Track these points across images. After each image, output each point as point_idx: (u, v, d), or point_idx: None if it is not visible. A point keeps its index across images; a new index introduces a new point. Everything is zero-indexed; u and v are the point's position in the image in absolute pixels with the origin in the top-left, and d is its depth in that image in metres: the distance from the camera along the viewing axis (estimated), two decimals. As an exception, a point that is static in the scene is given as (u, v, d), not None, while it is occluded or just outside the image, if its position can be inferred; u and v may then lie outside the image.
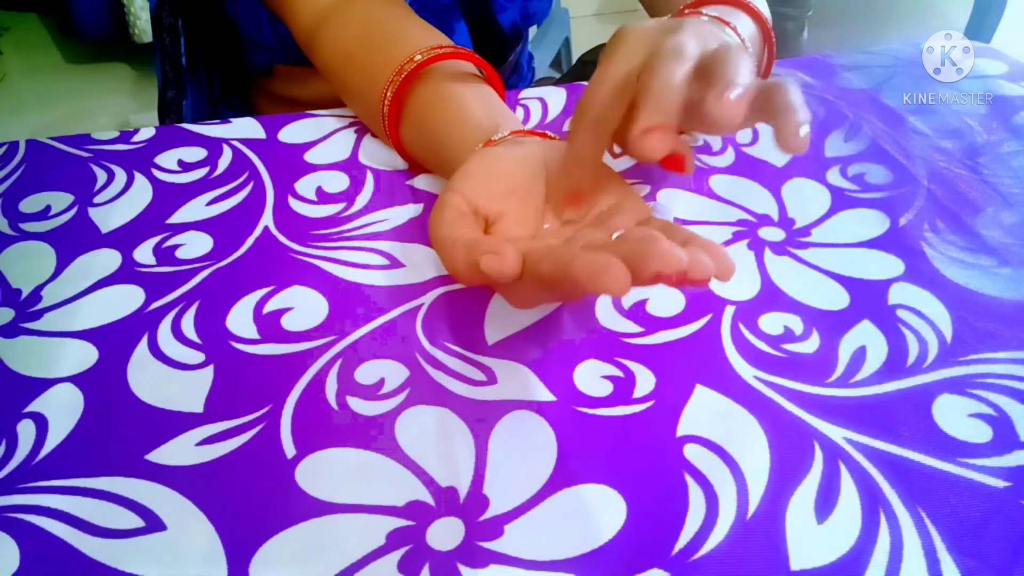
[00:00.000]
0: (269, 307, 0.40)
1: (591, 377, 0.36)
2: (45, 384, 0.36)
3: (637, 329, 0.38)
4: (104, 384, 0.36)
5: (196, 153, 0.51)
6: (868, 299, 0.40)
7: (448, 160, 0.42)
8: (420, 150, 0.47)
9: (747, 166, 0.49)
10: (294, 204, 0.47)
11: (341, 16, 0.52)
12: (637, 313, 0.39)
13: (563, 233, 0.36)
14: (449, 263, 0.32)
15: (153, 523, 0.30)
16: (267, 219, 0.45)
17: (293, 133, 0.53)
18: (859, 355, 0.37)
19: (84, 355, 0.37)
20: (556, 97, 0.56)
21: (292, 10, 0.55)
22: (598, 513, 0.30)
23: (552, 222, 0.37)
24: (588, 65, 0.83)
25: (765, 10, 0.49)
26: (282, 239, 0.44)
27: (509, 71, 0.78)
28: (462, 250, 0.31)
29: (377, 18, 0.51)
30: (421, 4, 0.62)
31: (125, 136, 0.53)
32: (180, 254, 0.43)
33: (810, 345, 0.37)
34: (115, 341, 0.38)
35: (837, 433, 0.33)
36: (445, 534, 0.30)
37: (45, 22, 2.13)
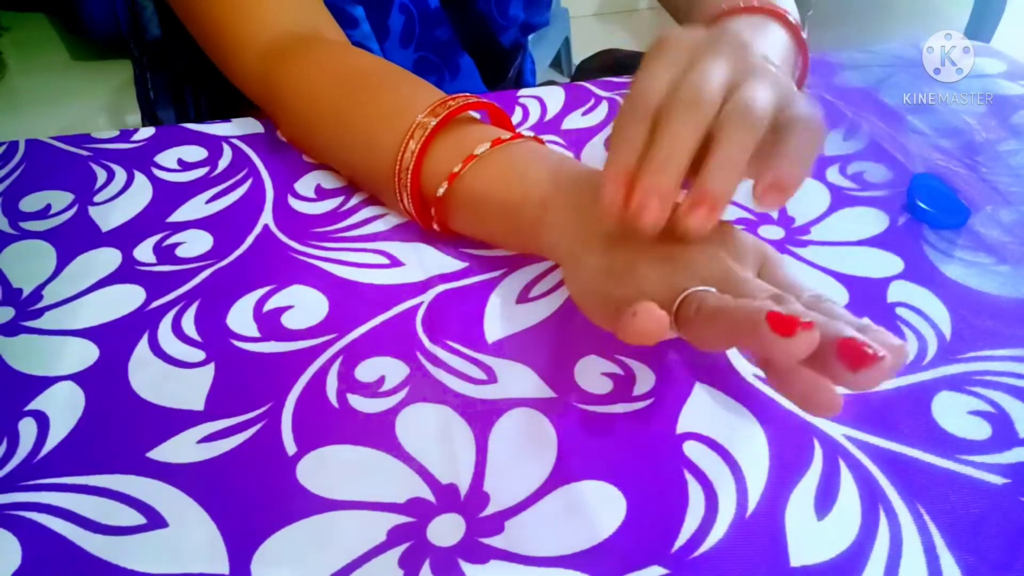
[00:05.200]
0: (269, 305, 0.40)
1: (591, 374, 0.36)
2: (46, 382, 0.36)
3: (637, 327, 0.38)
4: (105, 382, 0.36)
5: (196, 152, 0.51)
6: (867, 297, 0.40)
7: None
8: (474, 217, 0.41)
9: (747, 165, 0.49)
10: (294, 203, 0.47)
11: (324, 44, 0.49)
12: (637, 311, 0.39)
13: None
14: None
15: (155, 520, 0.30)
16: (267, 217, 0.45)
17: (293, 132, 0.53)
18: (858, 353, 0.37)
19: (85, 353, 0.37)
20: (555, 97, 0.56)
21: (241, 30, 0.50)
22: (598, 510, 0.30)
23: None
24: (588, 73, 0.83)
25: (795, 13, 0.47)
26: (282, 237, 0.44)
27: (511, 85, 0.77)
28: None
29: (368, 55, 0.49)
30: (420, 43, 0.62)
31: (125, 135, 0.53)
32: (180, 252, 0.43)
33: (810, 343, 0.37)
34: (116, 339, 0.38)
35: (836, 430, 0.33)
36: (446, 530, 0.30)
37: (51, 22, 2.13)
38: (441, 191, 0.40)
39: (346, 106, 0.45)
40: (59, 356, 0.37)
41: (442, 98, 0.41)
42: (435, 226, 0.42)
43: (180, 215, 0.46)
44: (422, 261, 0.42)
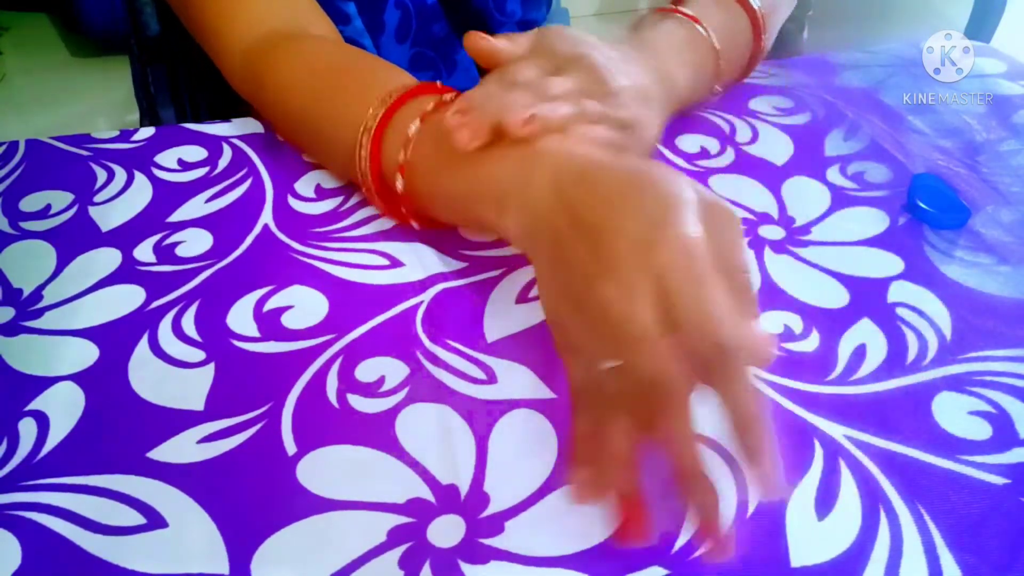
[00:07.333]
0: (269, 305, 0.40)
1: (591, 375, 0.36)
2: (46, 382, 0.36)
3: (637, 327, 0.38)
4: (105, 382, 0.36)
5: (196, 152, 0.51)
6: (868, 297, 0.40)
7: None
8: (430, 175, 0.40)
9: (747, 165, 0.49)
10: (294, 203, 0.47)
11: (305, 41, 0.50)
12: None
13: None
14: None
15: (155, 520, 0.30)
16: (267, 217, 0.45)
17: (293, 132, 0.53)
18: (859, 353, 0.37)
19: (85, 353, 0.37)
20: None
21: (230, 30, 0.51)
22: (598, 510, 0.30)
23: None
24: None
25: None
26: (282, 237, 0.44)
27: None
28: None
29: (349, 49, 0.49)
30: (416, 39, 0.62)
31: (125, 135, 0.53)
32: (180, 252, 0.43)
33: (810, 343, 0.37)
34: (116, 339, 0.38)
35: (837, 431, 0.33)
36: (446, 531, 0.30)
37: (51, 21, 2.13)
38: (399, 185, 0.39)
39: (317, 102, 0.46)
40: (59, 356, 0.37)
41: (384, 92, 0.41)
42: (413, 224, 0.42)
43: (180, 215, 0.46)
44: (422, 261, 0.42)
